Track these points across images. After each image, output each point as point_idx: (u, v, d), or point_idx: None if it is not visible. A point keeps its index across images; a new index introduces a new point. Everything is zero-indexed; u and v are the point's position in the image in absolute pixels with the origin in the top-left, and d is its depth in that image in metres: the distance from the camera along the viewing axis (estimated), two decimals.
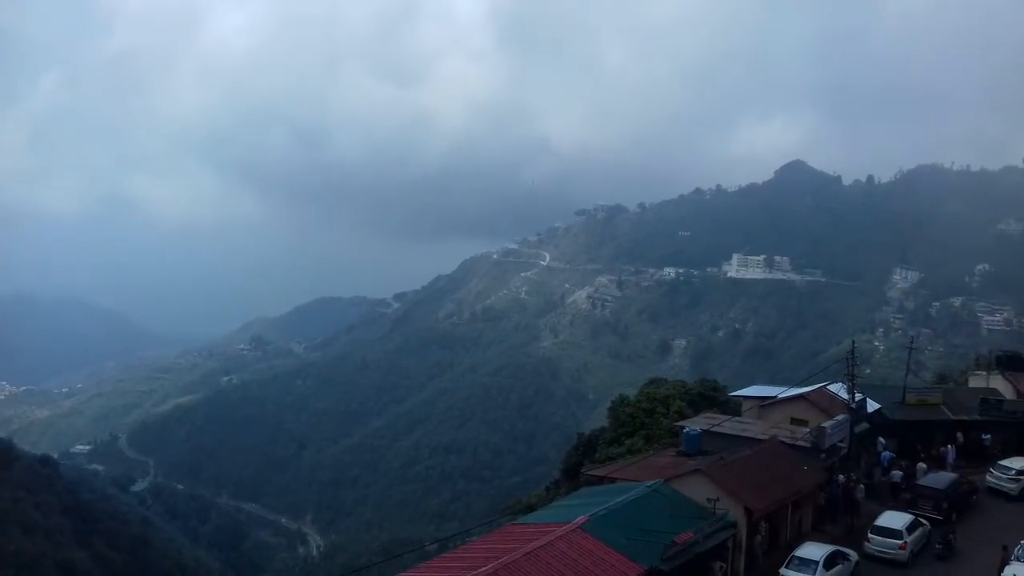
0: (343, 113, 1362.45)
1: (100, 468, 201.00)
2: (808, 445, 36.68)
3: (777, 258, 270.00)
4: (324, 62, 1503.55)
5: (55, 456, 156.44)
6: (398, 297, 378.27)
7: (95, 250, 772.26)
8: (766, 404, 43.55)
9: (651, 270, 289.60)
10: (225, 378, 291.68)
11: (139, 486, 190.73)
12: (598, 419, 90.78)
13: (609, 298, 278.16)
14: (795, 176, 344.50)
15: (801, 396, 42.84)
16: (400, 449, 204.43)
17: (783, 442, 36.84)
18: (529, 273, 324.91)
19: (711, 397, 57.80)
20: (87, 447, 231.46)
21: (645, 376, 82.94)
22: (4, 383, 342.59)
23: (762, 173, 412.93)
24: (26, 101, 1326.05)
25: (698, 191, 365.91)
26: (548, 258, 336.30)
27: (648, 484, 29.86)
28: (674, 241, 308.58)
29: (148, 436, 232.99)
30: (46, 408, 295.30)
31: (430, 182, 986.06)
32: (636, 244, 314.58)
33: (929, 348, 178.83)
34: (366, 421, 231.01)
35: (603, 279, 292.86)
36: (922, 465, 40.46)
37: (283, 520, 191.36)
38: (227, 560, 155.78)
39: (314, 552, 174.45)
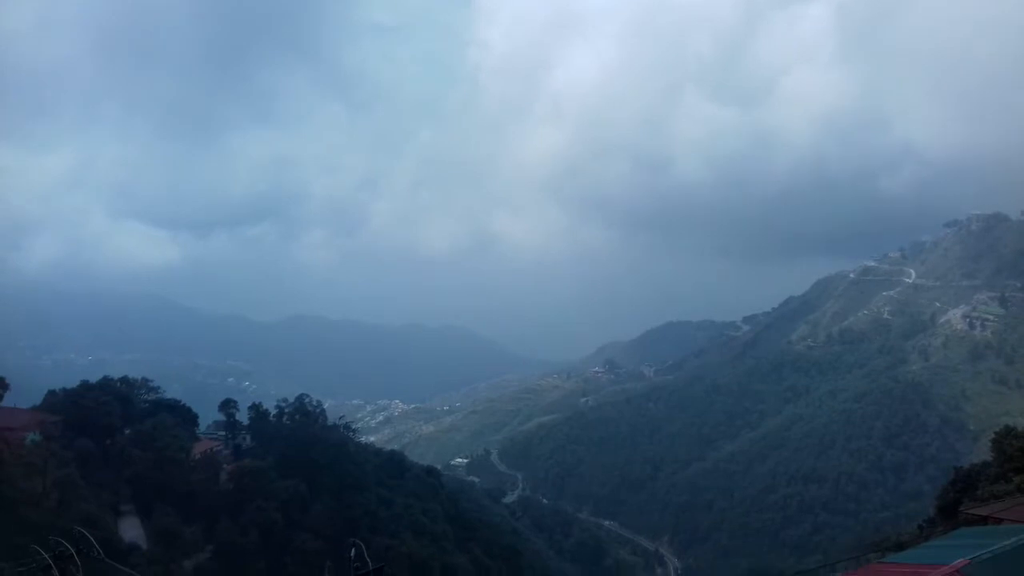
0: (685, 138, 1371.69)
1: (476, 480, 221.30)
2: None
3: None
4: (665, 90, 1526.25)
5: (439, 467, 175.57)
6: (747, 320, 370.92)
7: (468, 283, 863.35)
8: None
9: None
10: (583, 399, 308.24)
11: (509, 498, 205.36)
12: (980, 452, 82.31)
13: (991, 317, 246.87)
14: None
15: None
16: (756, 475, 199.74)
17: None
18: (892, 292, 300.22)
19: None
20: (465, 460, 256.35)
21: None
22: (398, 401, 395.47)
23: None
24: (406, 153, 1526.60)
25: None
26: (914, 275, 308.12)
27: None
28: None
29: (516, 452, 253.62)
30: (431, 424, 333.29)
31: (777, 201, 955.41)
32: (1022, 256, 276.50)
33: None
34: (718, 445, 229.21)
35: (982, 296, 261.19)
36: None
37: (641, 539, 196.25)
38: (589, 575, 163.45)
39: (672, 574, 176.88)
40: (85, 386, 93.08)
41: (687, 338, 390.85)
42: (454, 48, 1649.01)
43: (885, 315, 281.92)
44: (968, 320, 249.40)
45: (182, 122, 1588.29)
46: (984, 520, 33.25)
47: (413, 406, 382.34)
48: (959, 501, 47.74)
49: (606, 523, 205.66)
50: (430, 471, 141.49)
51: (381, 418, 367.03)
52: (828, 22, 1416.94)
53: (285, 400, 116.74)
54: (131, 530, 72.02)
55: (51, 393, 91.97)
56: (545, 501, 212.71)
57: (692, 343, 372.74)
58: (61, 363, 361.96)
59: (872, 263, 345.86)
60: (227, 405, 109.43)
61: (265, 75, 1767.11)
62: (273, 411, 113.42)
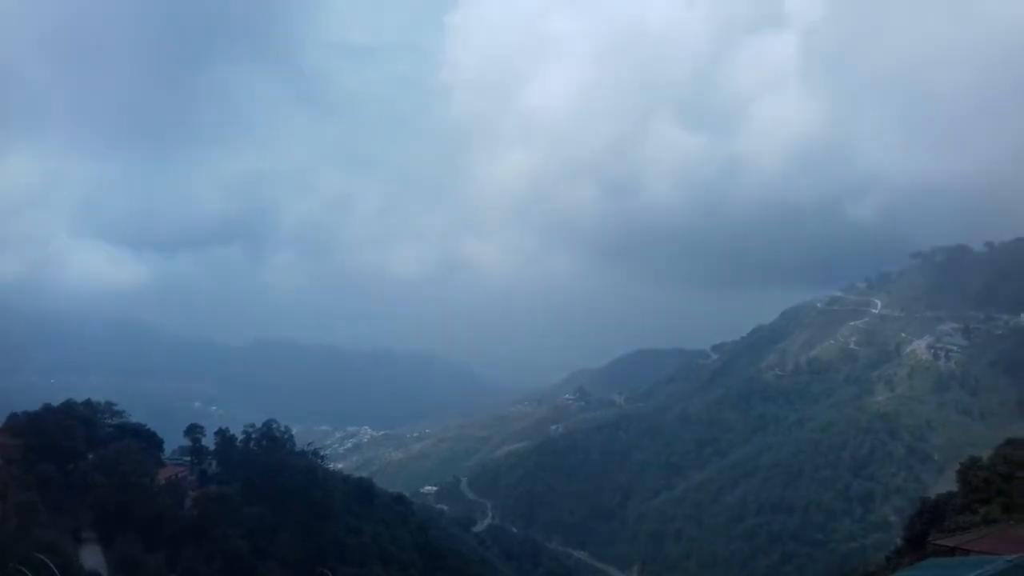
0: (655, 164, 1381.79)
1: (445, 508, 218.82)
2: None
3: None
4: (637, 114, 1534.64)
5: (408, 495, 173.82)
6: (716, 348, 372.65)
7: (438, 308, 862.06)
8: None
9: (1004, 316, 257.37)
10: (553, 427, 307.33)
11: (479, 527, 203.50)
12: (946, 483, 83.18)
13: (954, 348, 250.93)
14: None
15: None
16: (725, 504, 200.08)
17: None
18: (858, 322, 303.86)
19: None
20: (434, 488, 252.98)
21: (1001, 436, 75.01)
22: (367, 427, 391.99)
23: None
24: (376, 174, 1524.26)
25: None
26: (880, 305, 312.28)
27: (1009, 558, 26.53)
28: None
29: (486, 480, 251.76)
30: (400, 451, 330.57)
31: (746, 229, 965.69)
32: (985, 288, 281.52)
33: None
34: (688, 474, 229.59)
35: (946, 327, 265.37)
36: None
37: (610, 569, 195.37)
38: None
39: None
40: (48, 409, 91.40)
41: (657, 366, 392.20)
42: (425, 68, 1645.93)
43: (852, 345, 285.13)
44: (933, 351, 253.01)
45: (143, 134, 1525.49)
46: (952, 551, 33.54)
47: (382, 432, 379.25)
48: (927, 532, 48.12)
49: (576, 552, 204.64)
50: (399, 499, 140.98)
51: (350, 444, 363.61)
52: (795, 51, 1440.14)
53: (252, 425, 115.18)
54: (92, 557, 70.35)
55: (13, 416, 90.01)
56: (514, 530, 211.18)
57: (662, 371, 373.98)
58: (23, 386, 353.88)
59: (839, 293, 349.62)
60: (193, 430, 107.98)
61: (233, 91, 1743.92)
62: (240, 436, 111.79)
